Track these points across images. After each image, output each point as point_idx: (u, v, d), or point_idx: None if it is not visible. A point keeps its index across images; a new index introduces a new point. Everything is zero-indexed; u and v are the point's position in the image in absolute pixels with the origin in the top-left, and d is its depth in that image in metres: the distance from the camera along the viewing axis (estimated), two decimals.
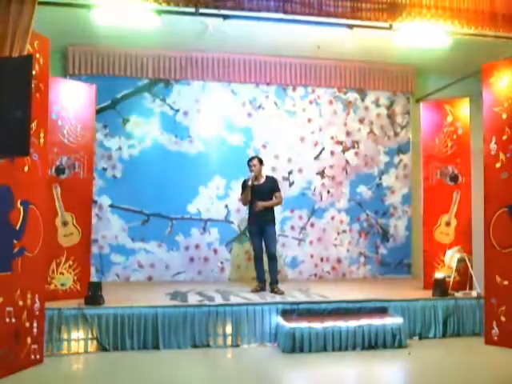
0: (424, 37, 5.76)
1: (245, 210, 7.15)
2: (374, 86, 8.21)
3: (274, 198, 6.48)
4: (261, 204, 6.35)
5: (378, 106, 8.35)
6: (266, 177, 6.59)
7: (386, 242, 8.28)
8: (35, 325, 4.72)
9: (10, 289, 4.47)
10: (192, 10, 5.10)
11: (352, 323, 5.39)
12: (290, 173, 8.03)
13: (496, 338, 5.45)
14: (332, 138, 8.17)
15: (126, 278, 7.45)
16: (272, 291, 6.28)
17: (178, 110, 7.75)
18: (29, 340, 4.65)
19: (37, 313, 4.75)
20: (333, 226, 8.13)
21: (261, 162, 6.52)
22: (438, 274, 6.48)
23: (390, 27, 5.54)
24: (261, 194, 6.40)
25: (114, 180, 7.52)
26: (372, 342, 5.37)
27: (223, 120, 7.86)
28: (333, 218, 8.14)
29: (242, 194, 6.58)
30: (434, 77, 8.00)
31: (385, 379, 4.83)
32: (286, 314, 5.55)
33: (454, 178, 6.99)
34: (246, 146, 7.88)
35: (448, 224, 6.95)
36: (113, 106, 7.55)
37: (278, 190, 6.52)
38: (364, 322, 5.42)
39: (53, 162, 5.76)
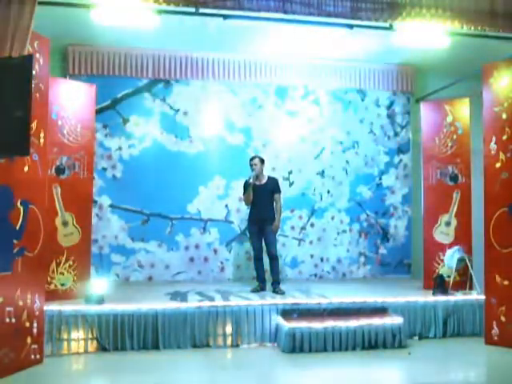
0: (424, 37, 5.76)
1: (245, 209, 7.15)
2: (374, 86, 8.21)
3: (274, 200, 6.48)
4: (276, 225, 6.42)
5: (378, 105, 8.34)
6: (268, 177, 6.59)
7: (385, 241, 8.28)
8: (35, 325, 4.73)
9: (10, 289, 4.47)
10: (192, 9, 5.10)
11: (352, 323, 5.39)
12: (290, 173, 8.03)
13: (496, 338, 5.45)
14: (332, 137, 8.17)
15: (125, 278, 7.45)
16: (273, 291, 6.28)
17: (178, 110, 7.75)
18: (29, 340, 4.65)
19: (37, 313, 4.76)
20: (333, 226, 8.13)
21: (262, 161, 6.52)
22: (438, 274, 6.49)
23: (390, 27, 5.54)
24: (263, 194, 6.41)
25: (114, 180, 7.52)
26: (372, 342, 5.38)
27: (223, 120, 7.86)
28: (333, 218, 8.13)
29: (244, 193, 6.59)
30: (433, 77, 7.99)
31: (385, 379, 4.83)
32: (286, 314, 5.55)
33: (454, 178, 6.99)
34: (246, 146, 7.88)
35: (448, 224, 6.95)
36: (113, 106, 7.55)
37: (278, 191, 6.52)
38: (364, 321, 5.43)
39: (53, 162, 5.77)
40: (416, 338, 5.79)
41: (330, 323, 5.36)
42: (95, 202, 7.21)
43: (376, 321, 5.47)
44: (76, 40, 7.08)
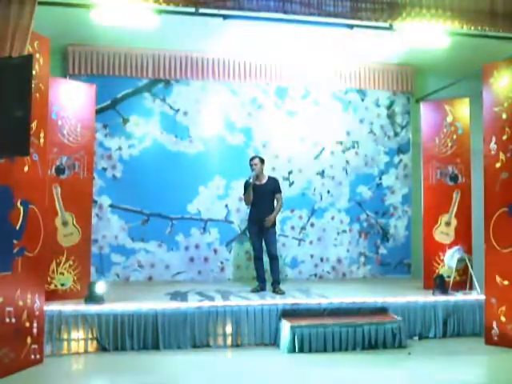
0: (424, 37, 5.76)
1: (245, 209, 7.15)
2: (374, 86, 8.21)
3: (275, 199, 6.48)
4: (271, 218, 6.36)
5: (378, 105, 8.34)
6: (269, 177, 6.59)
7: (386, 241, 8.28)
8: (35, 325, 4.72)
9: (10, 289, 4.47)
10: (192, 10, 5.10)
11: (352, 323, 5.39)
12: (290, 173, 8.03)
13: (496, 338, 5.45)
14: (332, 138, 8.17)
15: (125, 278, 7.45)
16: (273, 291, 6.28)
17: (178, 110, 7.75)
18: (29, 340, 4.65)
19: (37, 313, 4.75)
20: (333, 226, 8.13)
21: (262, 161, 6.52)
22: (438, 274, 6.49)
23: (390, 27, 5.54)
24: (263, 194, 6.41)
25: (114, 180, 7.52)
26: (372, 342, 5.37)
27: (223, 120, 7.86)
28: (333, 218, 8.14)
29: (244, 193, 6.58)
30: (434, 77, 8.00)
31: (385, 379, 4.82)
32: (286, 314, 5.55)
33: (454, 178, 6.99)
34: (246, 146, 7.88)
35: (448, 224, 6.95)
36: (113, 106, 7.55)
37: (279, 191, 6.52)
38: (364, 321, 5.42)
39: (53, 162, 5.76)
40: (416, 338, 5.78)
41: (330, 323, 5.35)
42: (95, 202, 7.21)
43: (376, 321, 5.47)
44: (76, 40, 7.08)
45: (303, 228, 8.04)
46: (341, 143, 8.20)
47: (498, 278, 5.46)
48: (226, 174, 7.76)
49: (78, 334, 5.19)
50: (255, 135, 7.94)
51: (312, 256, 8.01)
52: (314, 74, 7.97)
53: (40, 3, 4.35)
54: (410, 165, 8.37)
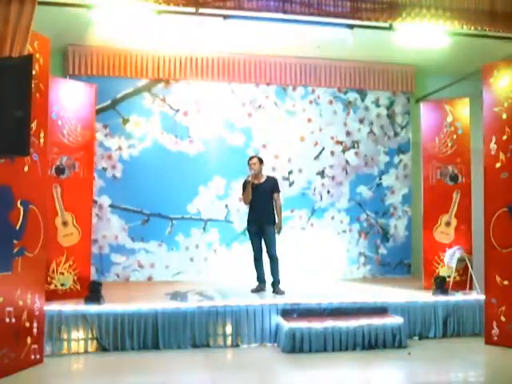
0: (424, 37, 5.75)
1: (245, 209, 7.15)
2: (374, 86, 8.21)
3: (273, 200, 6.46)
4: (279, 225, 6.36)
5: (378, 106, 8.35)
6: (267, 177, 6.57)
7: (386, 241, 8.28)
8: (35, 325, 4.72)
9: (10, 289, 4.47)
10: (192, 10, 5.10)
11: (352, 323, 5.38)
12: (290, 173, 8.03)
13: (496, 338, 5.45)
14: (332, 137, 8.17)
15: (125, 278, 7.45)
16: (273, 291, 6.28)
17: (178, 110, 7.76)
18: (29, 340, 4.65)
19: (37, 313, 4.75)
20: (333, 226, 8.13)
21: (261, 161, 6.50)
22: (438, 274, 6.49)
23: (390, 27, 5.54)
24: (261, 194, 6.38)
25: (113, 180, 7.53)
26: (372, 342, 5.37)
27: (223, 120, 7.86)
28: (333, 218, 8.14)
29: (243, 193, 6.58)
30: (434, 77, 8.00)
31: (385, 379, 4.83)
32: (286, 314, 5.55)
33: (454, 178, 6.99)
34: (246, 146, 7.88)
35: (448, 224, 6.95)
36: (113, 106, 7.56)
37: (277, 190, 6.50)
38: (364, 321, 5.42)
39: (53, 162, 5.77)
40: (416, 338, 5.78)
41: (329, 323, 5.35)
42: (95, 202, 7.21)
43: (376, 321, 5.46)
44: (76, 40, 7.08)
45: (303, 228, 8.04)
46: (341, 143, 8.20)
47: (497, 278, 5.46)
48: (225, 174, 7.77)
49: (78, 334, 5.19)
50: (255, 135, 7.94)
51: (312, 256, 7.99)
52: (313, 74, 7.96)
53: (40, 3, 4.35)
54: (409, 165, 8.38)
